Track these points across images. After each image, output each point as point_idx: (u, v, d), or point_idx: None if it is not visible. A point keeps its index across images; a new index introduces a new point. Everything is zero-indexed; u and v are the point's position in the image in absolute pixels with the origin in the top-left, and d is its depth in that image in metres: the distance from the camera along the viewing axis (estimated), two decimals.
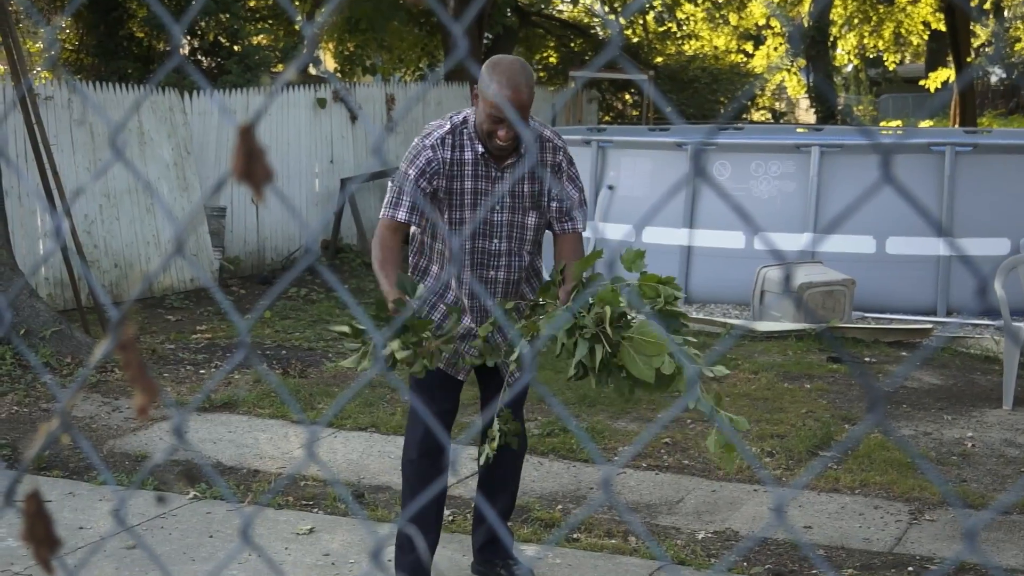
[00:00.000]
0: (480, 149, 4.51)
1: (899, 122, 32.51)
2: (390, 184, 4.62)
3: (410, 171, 4.51)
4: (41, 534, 1.66)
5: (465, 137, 4.53)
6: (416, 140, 4.60)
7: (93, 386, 8.04)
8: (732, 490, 6.27)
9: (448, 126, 4.56)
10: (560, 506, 6.01)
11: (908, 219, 10.54)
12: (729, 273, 11.04)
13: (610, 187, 11.98)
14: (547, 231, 4.79)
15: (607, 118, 25.26)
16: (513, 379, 4.42)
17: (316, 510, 5.93)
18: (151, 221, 11.67)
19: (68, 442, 6.74)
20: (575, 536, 5.60)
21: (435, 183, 4.52)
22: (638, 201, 11.78)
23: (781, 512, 1.24)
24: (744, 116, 30.31)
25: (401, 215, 4.51)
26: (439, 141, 4.52)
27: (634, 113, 25.80)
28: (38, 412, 7.52)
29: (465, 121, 4.56)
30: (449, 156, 4.52)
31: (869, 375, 8.61)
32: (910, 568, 5.30)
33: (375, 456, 6.74)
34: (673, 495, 6.21)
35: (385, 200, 4.57)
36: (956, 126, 22.96)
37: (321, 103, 14.22)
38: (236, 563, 5.16)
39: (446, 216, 4.57)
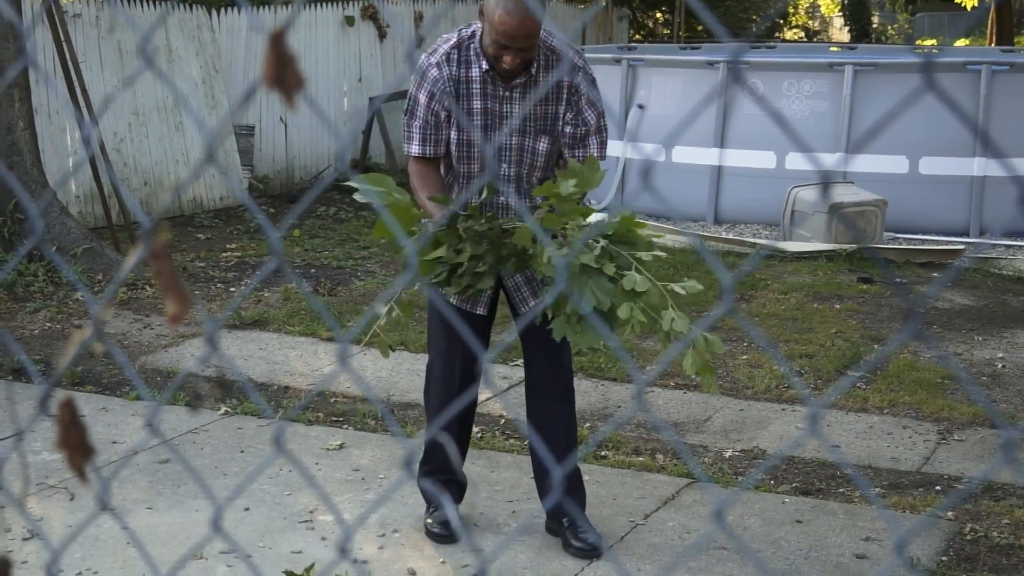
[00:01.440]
0: (486, 66, 4.28)
1: (934, 41, 32.12)
2: (404, 114, 4.43)
3: (420, 95, 4.33)
4: (75, 442, 1.67)
5: (472, 52, 4.30)
6: (422, 57, 4.40)
7: (124, 303, 8.09)
8: (760, 409, 6.28)
9: (454, 40, 4.33)
10: (588, 424, 6.03)
11: (942, 139, 10.44)
12: (759, 193, 10.98)
13: (640, 106, 11.89)
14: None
15: (638, 36, 25.04)
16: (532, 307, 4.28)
17: (346, 426, 5.97)
18: (180, 139, 11.66)
19: (101, 356, 6.79)
20: (603, 454, 5.63)
21: (446, 102, 4.31)
22: (668, 120, 11.69)
23: (815, 424, 1.24)
24: (777, 35, 30.00)
25: (415, 149, 4.37)
26: (444, 57, 4.30)
27: (665, 32, 25.57)
28: (70, 328, 7.57)
29: (473, 35, 4.32)
30: (456, 73, 4.30)
31: (904, 289, 8.59)
32: (938, 487, 5.31)
33: (404, 374, 6.77)
34: (701, 414, 6.22)
35: (403, 135, 4.44)
36: (993, 44, 22.67)
37: (349, 21, 14.13)
38: (267, 477, 5.20)
39: (455, 137, 4.37)
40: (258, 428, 5.85)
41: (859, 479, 5.40)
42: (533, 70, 4.30)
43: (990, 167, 10.57)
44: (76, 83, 9.10)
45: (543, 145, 4.40)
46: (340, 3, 14.20)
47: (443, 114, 4.33)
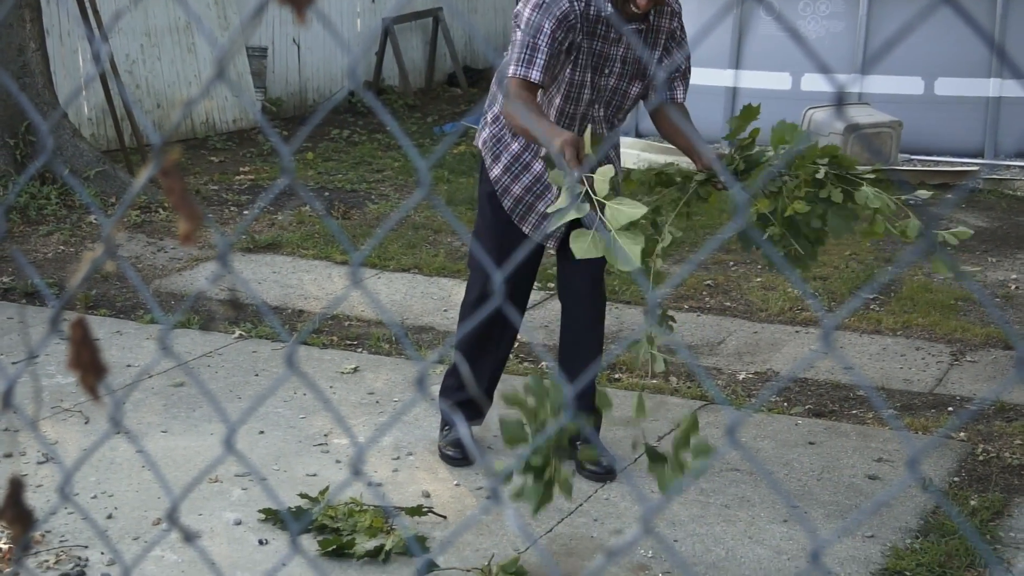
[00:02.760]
0: (607, 7, 4.18)
1: None
2: (519, 33, 4.18)
3: (545, 23, 4.10)
4: (87, 362, 1.67)
5: None
6: None
7: (137, 226, 8.09)
8: (773, 331, 6.28)
9: None
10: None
11: (957, 59, 10.34)
12: (775, 115, 10.84)
13: None
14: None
15: None
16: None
17: (360, 350, 5.99)
18: (192, 61, 11.60)
19: (114, 277, 6.81)
20: (616, 376, 5.64)
21: (571, 37, 4.15)
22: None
23: (828, 337, 1.23)
24: None
25: (535, 75, 4.10)
26: None
27: None
28: (84, 251, 7.58)
29: None
30: (582, 10, 4.15)
31: (921, 206, 8.54)
32: (950, 408, 5.31)
33: (418, 297, 6.77)
34: (715, 336, 6.22)
35: (515, 56, 4.14)
36: None
37: None
38: (281, 401, 5.23)
39: (568, 76, 4.25)
40: (272, 352, 5.87)
41: (874, 397, 5.41)
42: (651, 16, 4.26)
43: (1006, 88, 10.48)
44: (87, 1, 9.04)
45: (635, 89, 4.38)
46: None
47: (566, 46, 4.17)
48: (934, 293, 6.72)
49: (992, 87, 10.52)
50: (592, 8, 4.15)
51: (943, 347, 6.04)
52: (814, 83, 10.82)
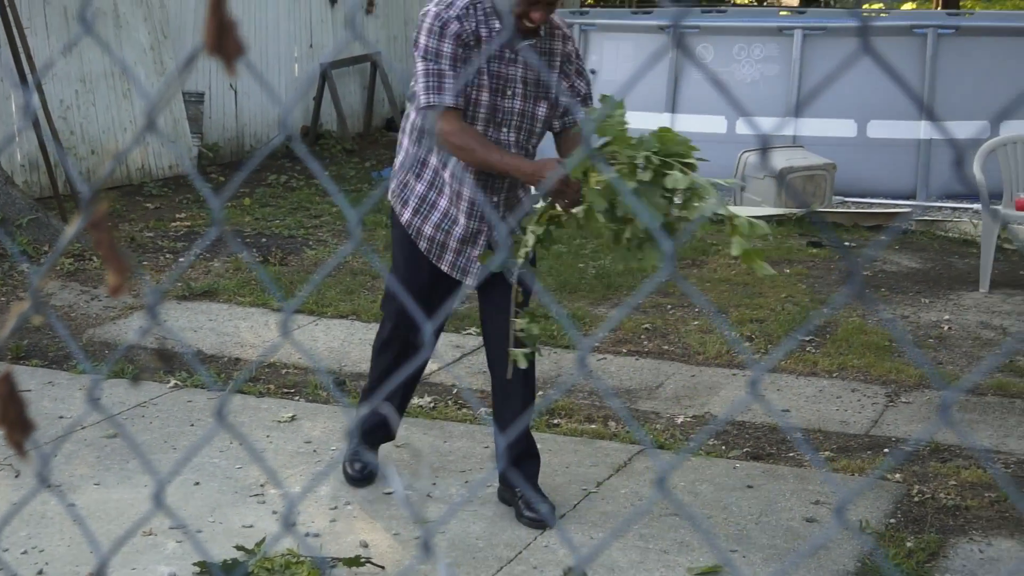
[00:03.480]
0: (497, 26, 4.20)
1: (881, 4, 32.22)
2: (419, 63, 4.20)
3: (443, 46, 4.14)
4: (14, 417, 1.65)
5: (480, 12, 4.20)
6: (433, 9, 4.20)
7: (71, 274, 8.01)
8: (712, 375, 6.30)
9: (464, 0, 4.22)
10: (541, 392, 6.03)
11: (889, 102, 10.48)
12: (711, 158, 10.94)
13: (592, 71, 11.87)
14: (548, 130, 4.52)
15: (590, 1, 24.97)
16: (517, 277, 4.21)
17: (297, 398, 5.94)
18: (128, 106, 11.53)
19: (47, 329, 6.72)
20: (555, 422, 5.63)
21: (469, 55, 4.17)
22: (620, 85, 11.68)
23: (756, 385, 1.23)
24: None
25: (449, 99, 4.15)
26: (464, 11, 4.17)
27: None
28: (15, 300, 7.49)
29: None
30: (473, 29, 4.18)
31: (849, 252, 8.61)
32: (886, 449, 5.35)
33: (356, 344, 6.74)
34: (653, 380, 6.24)
35: (422, 86, 4.17)
36: (938, 8, 22.77)
37: None
38: (218, 451, 5.17)
39: (468, 97, 4.27)
40: (208, 401, 5.81)
41: (801, 444, 5.43)
42: (542, 33, 4.30)
43: (936, 130, 10.64)
44: (21, 49, 8.97)
45: (542, 111, 4.38)
46: None
47: (466, 69, 4.19)
48: (868, 335, 6.78)
49: (923, 129, 10.68)
50: (484, 28, 4.18)
51: (878, 388, 6.09)
52: (749, 126, 10.93)
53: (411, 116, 4.42)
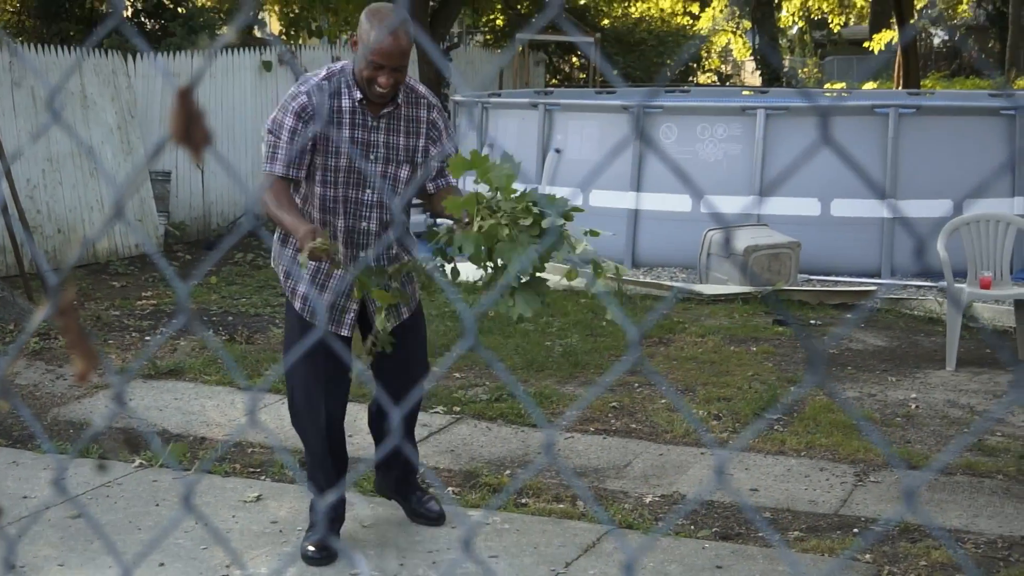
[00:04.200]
0: (358, 96, 4.54)
1: (843, 84, 32.65)
2: (266, 136, 4.57)
3: (286, 120, 4.51)
4: None
5: (343, 84, 4.55)
6: (292, 88, 4.59)
7: (36, 353, 7.96)
8: (679, 453, 6.29)
9: (324, 72, 4.58)
10: (508, 471, 6.01)
11: (852, 181, 10.59)
12: (676, 236, 11.06)
13: (557, 150, 11.97)
14: (422, 191, 4.82)
15: (554, 81, 25.23)
16: (405, 317, 4.75)
17: (263, 477, 5.90)
18: (95, 186, 11.53)
19: (10, 410, 6.67)
20: (523, 501, 5.61)
21: (311, 128, 4.51)
22: (585, 164, 11.78)
23: (721, 472, 1.24)
24: (690, 79, 30.34)
25: (278, 168, 4.51)
26: (315, 87, 4.52)
27: (581, 76, 25.77)
28: None
29: (343, 69, 4.58)
30: (326, 102, 4.52)
31: (811, 336, 8.66)
32: (855, 529, 5.34)
33: None
34: (620, 459, 6.23)
35: (264, 154, 4.57)
36: (899, 88, 23.10)
37: (267, 66, 14.09)
38: (182, 531, 5.12)
39: (320, 162, 4.58)
40: (173, 481, 5.76)
41: (764, 527, 5.42)
42: (399, 100, 4.61)
43: (899, 209, 10.75)
44: None
45: (404, 173, 4.69)
46: (257, 48, 14.16)
47: (310, 140, 4.52)
48: (836, 413, 6.80)
49: (886, 208, 10.78)
50: (346, 99, 4.53)
51: (847, 467, 6.09)
52: (711, 209, 11.01)
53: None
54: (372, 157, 4.62)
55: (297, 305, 4.82)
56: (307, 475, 5.08)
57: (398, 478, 5.24)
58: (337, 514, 4.99)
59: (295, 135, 4.49)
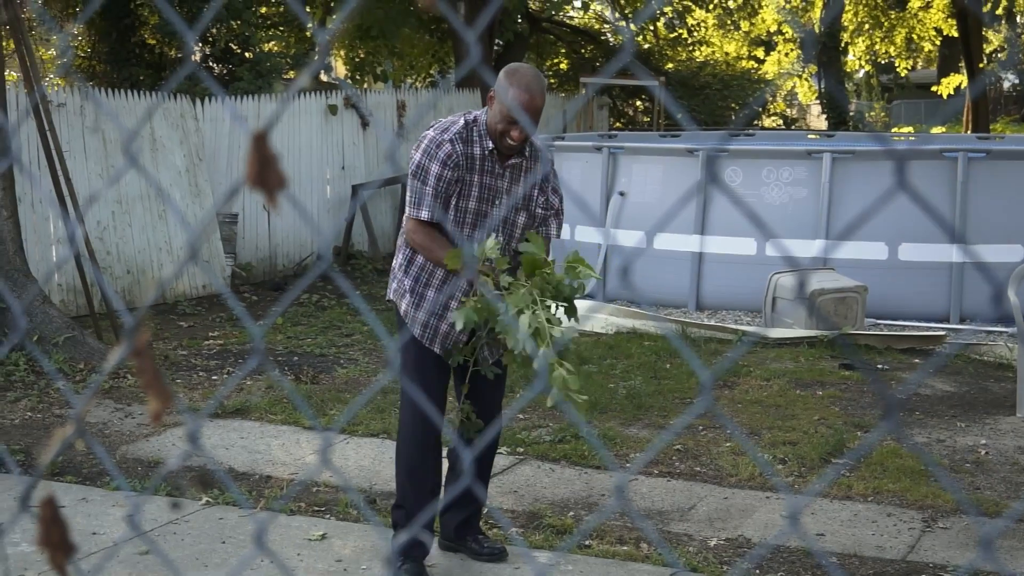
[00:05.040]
0: (489, 146, 4.81)
1: (911, 128, 32.46)
2: (410, 180, 4.84)
3: (432, 166, 4.77)
4: (56, 539, 1.66)
5: (475, 134, 4.82)
6: (432, 133, 4.83)
7: (106, 392, 8.06)
8: (744, 497, 6.26)
9: (462, 122, 4.84)
10: (572, 512, 6.00)
11: (920, 225, 10.52)
12: (741, 280, 11.03)
13: (621, 193, 11.98)
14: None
15: (618, 124, 25.28)
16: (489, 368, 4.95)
17: (328, 516, 5.93)
18: (163, 227, 11.69)
19: (82, 448, 6.75)
20: (587, 543, 5.59)
21: (456, 175, 4.78)
22: (649, 207, 11.78)
23: (796, 520, 1.24)
24: (755, 122, 30.29)
25: (424, 214, 4.77)
26: (457, 135, 4.79)
27: (645, 119, 25.80)
28: (51, 418, 7.53)
29: (476, 120, 4.85)
30: (464, 150, 4.79)
31: (883, 382, 8.59)
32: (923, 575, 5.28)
33: (387, 462, 6.73)
34: (685, 502, 6.20)
35: (409, 199, 4.83)
36: (969, 132, 22.93)
37: (332, 110, 14.24)
38: (250, 568, 5.16)
39: (454, 203, 4.86)
40: (239, 519, 5.81)
41: (837, 573, 5.37)
42: (527, 153, 4.94)
43: (968, 254, 10.65)
44: (60, 174, 9.13)
45: (522, 219, 5.02)
46: (323, 92, 14.32)
47: (452, 188, 4.80)
48: (904, 458, 6.73)
49: (955, 253, 10.69)
50: (477, 147, 4.81)
51: (915, 513, 6.03)
52: (778, 251, 10.96)
53: (404, 224, 5.00)
54: (497, 203, 4.92)
55: (417, 332, 5.02)
56: (397, 506, 5.22)
57: (465, 520, 5.34)
58: (425, 550, 5.15)
59: (440, 181, 4.76)
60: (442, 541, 5.39)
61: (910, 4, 26.85)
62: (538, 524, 5.82)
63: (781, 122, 33.76)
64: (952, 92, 27.03)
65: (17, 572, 5.08)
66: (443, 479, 5.27)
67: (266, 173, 1.43)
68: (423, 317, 5.01)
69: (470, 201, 4.87)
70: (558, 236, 5.15)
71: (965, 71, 25.08)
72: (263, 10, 19.09)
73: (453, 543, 5.38)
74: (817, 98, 34.93)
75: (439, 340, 5.01)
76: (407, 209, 4.85)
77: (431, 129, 4.86)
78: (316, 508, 6.03)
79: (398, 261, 5.09)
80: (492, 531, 5.71)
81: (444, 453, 5.28)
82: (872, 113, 37.56)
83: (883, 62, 36.55)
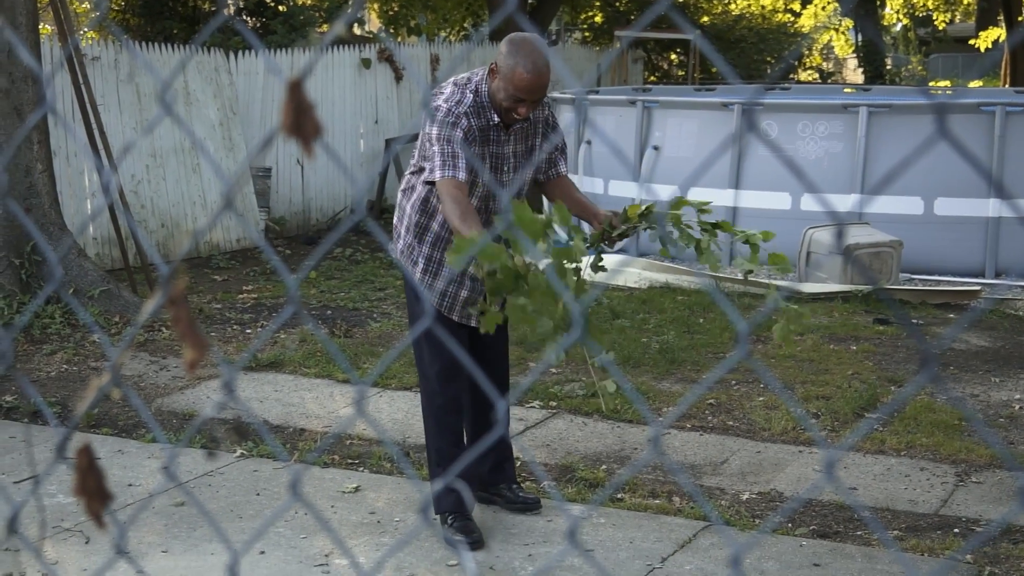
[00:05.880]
0: (495, 118, 4.83)
1: (948, 82, 32.17)
2: (436, 146, 4.76)
3: (456, 133, 4.79)
4: (93, 488, 1.68)
5: (482, 105, 4.84)
6: (444, 105, 4.82)
7: (141, 345, 8.11)
8: (776, 451, 6.26)
9: (470, 96, 4.83)
10: (604, 466, 6.01)
11: (956, 180, 10.44)
12: (776, 233, 10.96)
13: (655, 147, 11.93)
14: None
15: (652, 78, 25.12)
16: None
17: (362, 469, 5.97)
18: (197, 181, 11.72)
19: (118, 399, 6.81)
20: (619, 496, 5.61)
21: (473, 147, 4.86)
22: (683, 161, 11.72)
23: (831, 471, 1.24)
24: (791, 76, 30.06)
25: (461, 175, 4.70)
26: (470, 109, 4.81)
27: (680, 73, 25.64)
28: (87, 370, 7.59)
29: (478, 91, 4.84)
30: (476, 123, 4.84)
31: (920, 333, 8.54)
32: (956, 530, 5.28)
33: (420, 415, 6.75)
34: (718, 456, 6.20)
35: (439, 162, 4.72)
36: (1007, 86, 22.70)
37: (366, 63, 14.21)
38: (283, 521, 5.20)
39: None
40: (273, 471, 5.85)
41: (874, 524, 5.37)
42: (530, 118, 4.93)
43: (1005, 208, 10.57)
44: (95, 126, 9.16)
45: (527, 175, 5.07)
46: (357, 46, 14.28)
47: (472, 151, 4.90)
48: (937, 413, 6.71)
49: (991, 207, 10.61)
50: (484, 120, 4.83)
51: (948, 467, 6.01)
52: (814, 203, 10.91)
53: (417, 189, 5.02)
54: (506, 168, 4.95)
55: (435, 301, 5.06)
56: (434, 467, 5.20)
57: (492, 467, 5.39)
58: (470, 505, 5.19)
59: (467, 147, 4.83)
60: (477, 492, 5.39)
61: None
62: (570, 477, 5.83)
63: (817, 76, 33.48)
64: (990, 46, 26.72)
65: (53, 523, 5.14)
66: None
67: (302, 121, 1.43)
68: (441, 286, 5.06)
69: (483, 171, 4.95)
70: (567, 172, 5.19)
71: (1003, 24, 24.80)
72: None
73: (487, 493, 5.41)
74: (854, 52, 34.64)
75: (458, 308, 5.08)
76: (437, 173, 4.71)
77: (440, 99, 4.86)
78: (350, 461, 6.06)
79: (405, 224, 5.09)
80: (526, 483, 5.74)
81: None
82: (909, 67, 37.23)
83: (920, 15, 36.20)
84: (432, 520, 5.16)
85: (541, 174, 5.17)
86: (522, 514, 5.33)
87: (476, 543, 4.99)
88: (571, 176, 5.23)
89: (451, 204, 4.65)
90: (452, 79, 4.95)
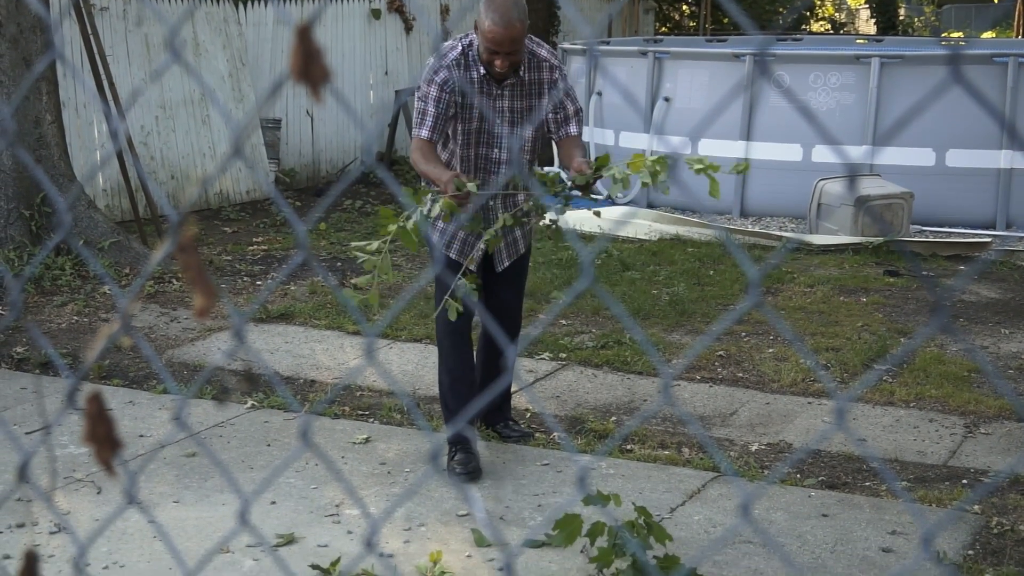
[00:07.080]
0: (482, 71, 5.05)
1: (961, 33, 31.94)
2: (416, 102, 5.12)
3: (431, 90, 5.05)
4: (103, 435, 1.68)
5: (470, 59, 5.07)
6: (432, 60, 5.19)
7: (151, 296, 8.12)
8: (786, 403, 6.26)
9: (460, 48, 5.10)
10: (614, 417, 6.03)
11: (968, 131, 10.38)
12: (785, 186, 10.95)
13: (666, 99, 11.87)
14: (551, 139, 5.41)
15: (664, 29, 25.00)
16: (523, 252, 5.45)
17: (372, 420, 5.99)
18: (207, 132, 11.70)
19: (128, 349, 6.83)
20: (628, 447, 5.63)
21: (451, 98, 5.05)
22: (694, 113, 11.67)
23: (842, 416, 1.24)
24: (803, 27, 29.86)
25: (424, 133, 5.04)
26: (454, 62, 5.07)
27: (691, 24, 25.50)
28: (98, 322, 7.61)
29: (471, 44, 5.08)
30: (460, 75, 5.07)
31: (931, 282, 8.53)
32: (964, 480, 5.29)
33: (430, 367, 6.77)
34: (727, 407, 6.21)
35: (414, 120, 5.12)
36: (1020, 36, 22.54)
37: (375, 14, 14.14)
38: (293, 471, 5.22)
39: (458, 128, 5.13)
40: (284, 422, 5.87)
41: (885, 472, 5.39)
42: (521, 72, 5.10)
43: (1016, 160, 10.52)
44: (103, 76, 9.13)
45: (528, 133, 5.23)
46: None
47: (451, 109, 5.07)
48: (946, 364, 6.71)
49: (1003, 159, 10.56)
50: (474, 72, 5.05)
51: (956, 419, 6.02)
52: (825, 155, 10.87)
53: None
54: (498, 120, 5.14)
55: (456, 248, 5.28)
56: (445, 391, 5.45)
57: (497, 407, 5.73)
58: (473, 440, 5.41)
59: (439, 104, 5.03)
60: (478, 427, 5.69)
61: None
62: (580, 429, 5.85)
63: (829, 26, 33.27)
64: None
65: (65, 473, 5.17)
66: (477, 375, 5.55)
67: (310, 66, 1.42)
68: (462, 233, 5.28)
69: (471, 123, 5.13)
70: (579, 134, 5.28)
71: None
72: None
73: (486, 428, 5.72)
74: (866, 2, 34.37)
75: (456, 245, 5.28)
76: (413, 130, 5.10)
77: (432, 58, 5.19)
78: (360, 412, 6.08)
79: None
80: (536, 434, 5.76)
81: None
82: (922, 18, 36.95)
83: None
84: (443, 469, 5.22)
85: (552, 133, 5.31)
86: (516, 444, 5.62)
87: (473, 472, 5.21)
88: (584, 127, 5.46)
89: (415, 156, 5.01)
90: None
